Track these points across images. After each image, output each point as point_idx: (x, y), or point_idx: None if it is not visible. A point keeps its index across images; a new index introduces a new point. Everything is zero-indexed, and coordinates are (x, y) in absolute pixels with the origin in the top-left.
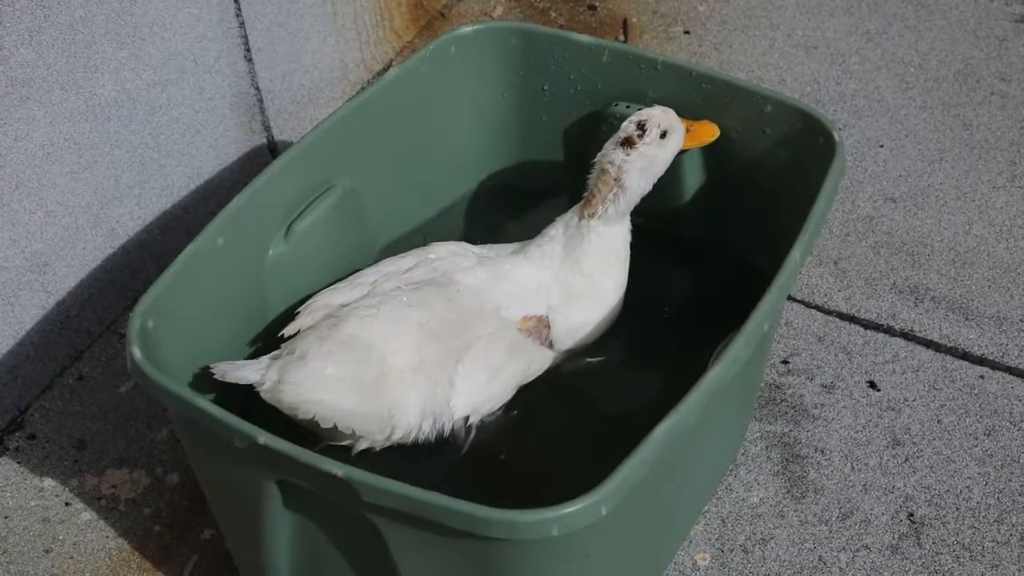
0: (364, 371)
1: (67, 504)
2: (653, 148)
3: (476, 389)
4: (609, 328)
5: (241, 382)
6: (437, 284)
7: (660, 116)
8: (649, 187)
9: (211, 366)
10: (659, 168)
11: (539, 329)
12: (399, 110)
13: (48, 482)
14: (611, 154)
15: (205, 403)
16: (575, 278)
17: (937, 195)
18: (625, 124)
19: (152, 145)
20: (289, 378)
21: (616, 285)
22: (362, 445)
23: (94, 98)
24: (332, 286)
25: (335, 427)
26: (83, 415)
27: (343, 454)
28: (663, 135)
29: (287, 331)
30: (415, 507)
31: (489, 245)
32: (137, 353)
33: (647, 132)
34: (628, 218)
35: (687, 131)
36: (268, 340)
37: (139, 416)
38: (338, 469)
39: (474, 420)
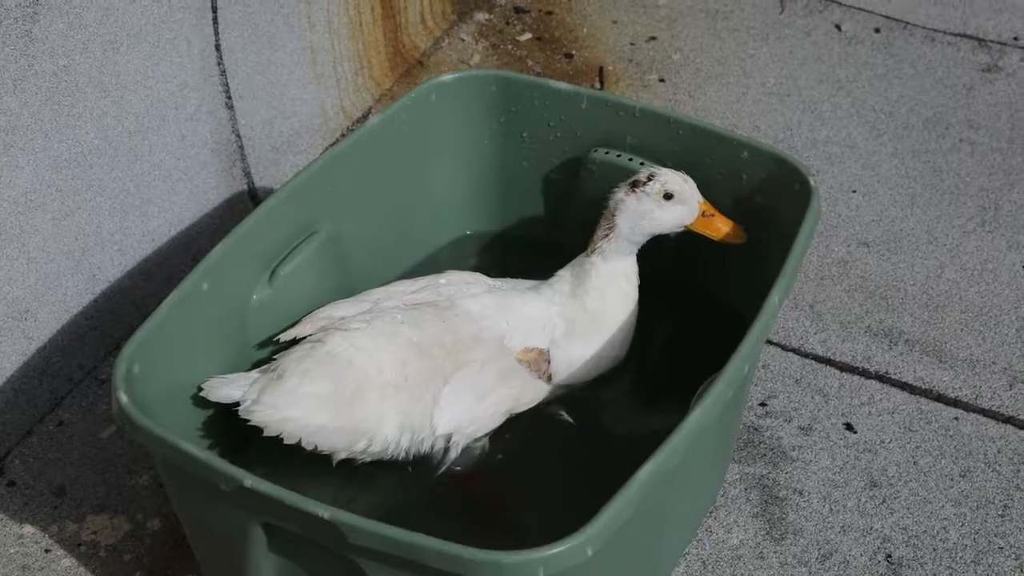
0: (341, 387)
1: (47, 551)
2: (650, 201)
3: (461, 409)
4: (611, 366)
5: (224, 400)
6: (437, 307)
7: (671, 178)
8: (638, 238)
9: (202, 384)
10: (651, 224)
11: (539, 362)
12: (381, 157)
13: (28, 529)
14: (617, 192)
15: (191, 447)
16: (579, 314)
17: (909, 239)
18: (644, 170)
19: (134, 192)
20: (264, 398)
21: (618, 322)
22: (340, 456)
23: (77, 146)
24: (339, 300)
25: (301, 442)
26: (63, 461)
27: (327, 485)
28: (667, 196)
29: (284, 336)
30: (400, 548)
31: (506, 279)
32: (123, 398)
33: (650, 183)
34: (632, 259)
35: (703, 215)
36: None
37: (119, 462)
38: (324, 511)
39: (458, 440)
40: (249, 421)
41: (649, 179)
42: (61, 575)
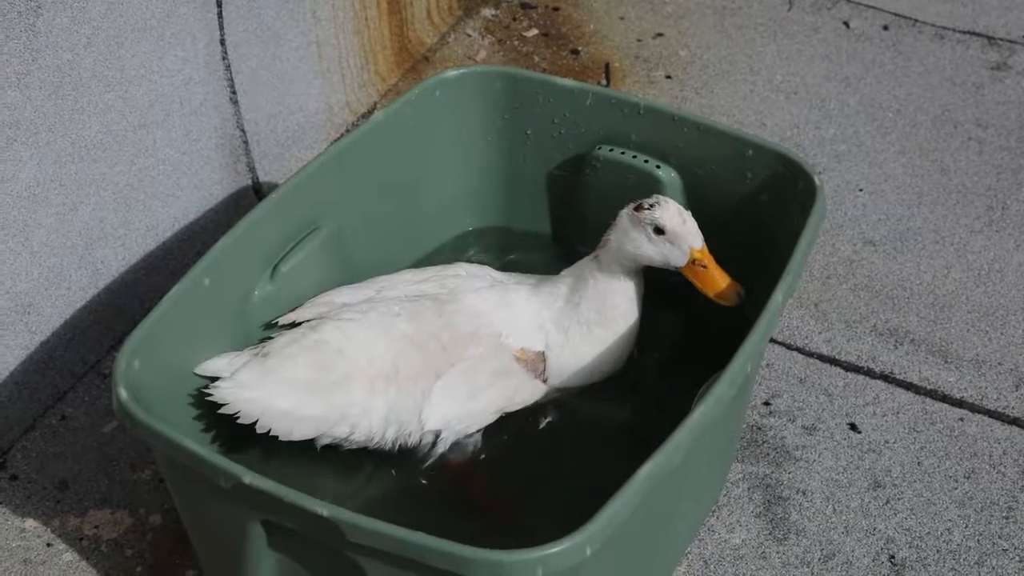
0: (323, 376)
1: (49, 545)
2: (638, 228)
3: (452, 404)
4: (608, 375)
5: (206, 373)
6: (439, 300)
7: (667, 213)
8: (625, 261)
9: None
10: (634, 250)
11: (535, 362)
12: (384, 153)
13: (30, 523)
14: (626, 208)
15: (191, 443)
16: (573, 323)
17: (916, 239)
18: (656, 196)
19: (137, 186)
20: (238, 376)
21: (614, 337)
22: (324, 441)
23: (81, 140)
24: (342, 287)
25: (256, 424)
26: (65, 455)
27: (328, 483)
28: (658, 230)
29: (283, 319)
30: (400, 547)
31: (513, 274)
32: (123, 393)
33: (647, 211)
34: (631, 278)
35: (694, 262)
36: None
37: (122, 456)
38: (323, 509)
39: (447, 436)
40: (212, 396)
41: (650, 206)
42: (63, 569)
